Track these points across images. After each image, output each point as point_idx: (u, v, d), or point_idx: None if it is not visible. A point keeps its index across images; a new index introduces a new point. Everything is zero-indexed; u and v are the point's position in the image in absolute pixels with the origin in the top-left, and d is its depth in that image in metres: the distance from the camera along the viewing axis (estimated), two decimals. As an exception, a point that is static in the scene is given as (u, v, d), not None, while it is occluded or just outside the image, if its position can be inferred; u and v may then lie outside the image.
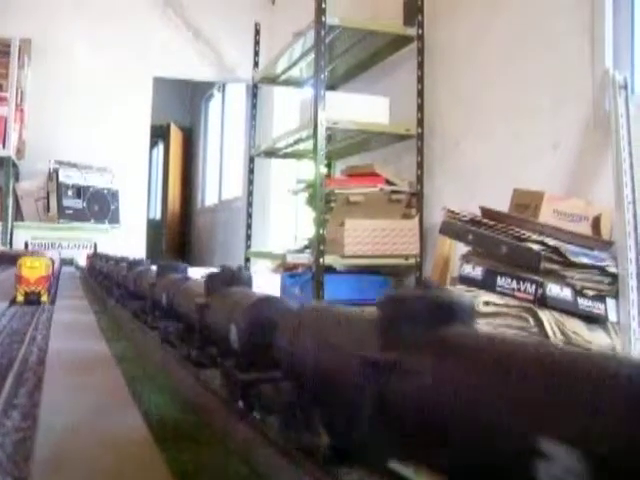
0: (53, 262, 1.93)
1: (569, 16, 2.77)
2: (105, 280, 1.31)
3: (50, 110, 5.44)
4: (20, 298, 1.74)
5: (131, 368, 0.69)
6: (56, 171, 5.17)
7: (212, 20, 5.88)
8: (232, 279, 0.46)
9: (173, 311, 0.60)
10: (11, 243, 4.98)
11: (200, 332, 0.46)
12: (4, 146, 4.90)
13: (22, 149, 5.28)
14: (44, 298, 1.77)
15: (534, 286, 2.13)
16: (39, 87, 5.37)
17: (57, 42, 5.45)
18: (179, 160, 9.32)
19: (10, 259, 3.18)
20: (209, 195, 8.79)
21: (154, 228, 8.00)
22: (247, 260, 4.76)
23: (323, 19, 3.48)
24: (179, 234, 9.45)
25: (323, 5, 3.47)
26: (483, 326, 2.25)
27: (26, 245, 4.98)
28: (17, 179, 5.34)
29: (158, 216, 9.41)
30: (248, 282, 0.45)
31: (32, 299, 1.75)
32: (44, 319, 1.64)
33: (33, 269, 1.67)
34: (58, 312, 1.78)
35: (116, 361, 0.82)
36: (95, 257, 1.76)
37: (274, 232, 5.70)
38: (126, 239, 5.37)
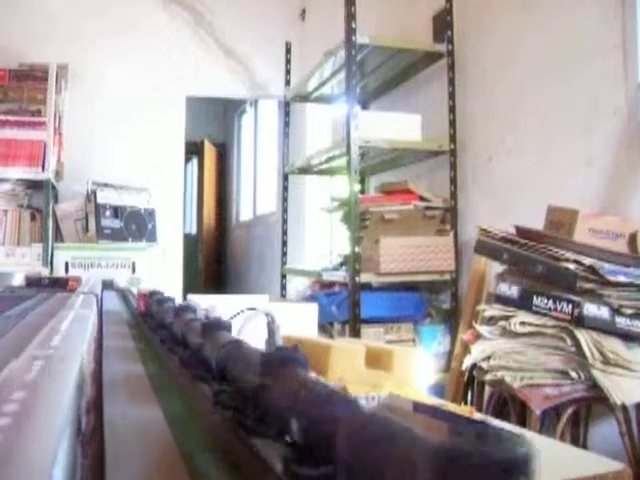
0: None
1: (601, 31, 2.77)
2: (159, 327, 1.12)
3: (86, 132, 5.56)
4: None
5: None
6: (94, 192, 5.25)
7: (242, 37, 5.93)
8: (289, 360, 0.48)
9: (226, 375, 0.63)
10: (52, 263, 5.06)
11: (256, 409, 0.49)
12: (43, 169, 4.99)
13: (60, 171, 5.38)
14: None
15: (571, 306, 2.14)
16: (76, 110, 5.48)
17: (92, 66, 5.56)
18: (213, 175, 9.40)
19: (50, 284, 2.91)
20: (244, 210, 8.83)
21: (190, 242, 8.07)
22: (283, 277, 4.80)
23: (353, 39, 3.50)
24: (215, 249, 9.52)
25: (353, 25, 3.49)
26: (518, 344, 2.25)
27: (67, 266, 5.06)
28: (56, 201, 5.44)
29: (194, 230, 9.49)
30: (304, 364, 0.48)
31: None
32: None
33: None
34: None
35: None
36: (150, 298, 1.38)
37: (309, 248, 5.73)
38: (163, 256, 5.45)
